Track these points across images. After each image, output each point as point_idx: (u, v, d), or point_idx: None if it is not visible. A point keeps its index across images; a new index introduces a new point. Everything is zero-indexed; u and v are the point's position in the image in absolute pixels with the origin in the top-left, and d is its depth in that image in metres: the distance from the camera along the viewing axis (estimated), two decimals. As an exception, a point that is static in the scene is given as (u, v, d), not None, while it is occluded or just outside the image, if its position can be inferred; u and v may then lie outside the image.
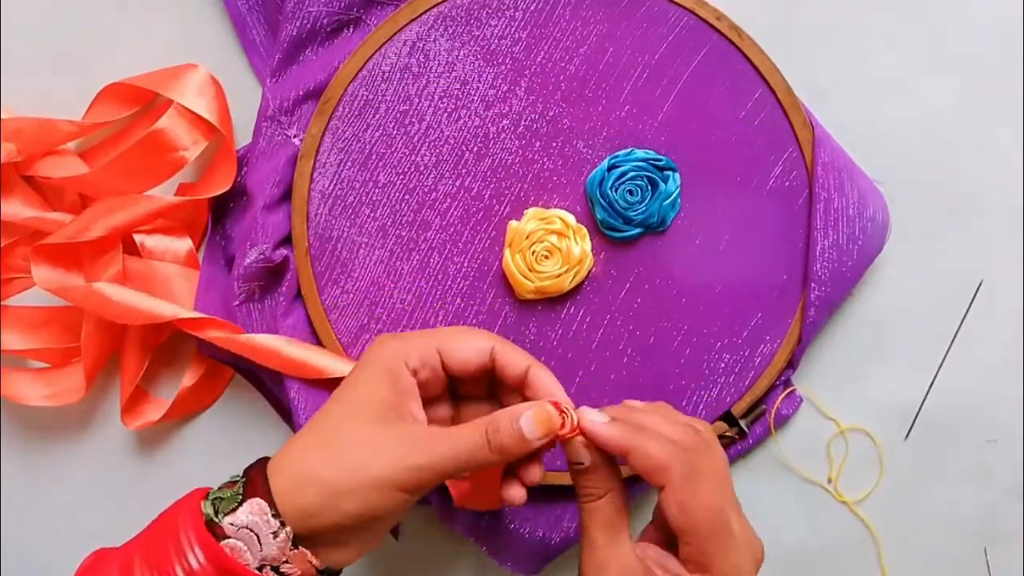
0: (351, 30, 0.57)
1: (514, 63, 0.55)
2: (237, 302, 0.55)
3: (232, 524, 0.40)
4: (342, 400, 0.43)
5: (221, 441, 0.60)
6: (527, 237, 0.54)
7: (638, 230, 0.55)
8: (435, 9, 0.55)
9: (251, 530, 0.40)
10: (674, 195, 0.55)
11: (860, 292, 0.58)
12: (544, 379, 0.43)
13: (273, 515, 0.40)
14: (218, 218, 0.58)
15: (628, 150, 0.55)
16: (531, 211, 0.55)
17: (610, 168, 0.54)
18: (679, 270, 0.55)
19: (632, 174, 0.54)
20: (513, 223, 0.55)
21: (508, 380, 0.44)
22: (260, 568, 0.40)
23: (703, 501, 0.40)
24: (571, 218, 0.55)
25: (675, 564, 0.41)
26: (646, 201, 0.54)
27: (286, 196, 0.56)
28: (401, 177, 0.56)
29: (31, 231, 0.58)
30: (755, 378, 0.56)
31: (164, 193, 0.57)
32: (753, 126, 0.55)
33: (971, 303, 0.58)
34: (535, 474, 0.44)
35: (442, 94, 0.55)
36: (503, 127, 0.55)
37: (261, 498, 0.40)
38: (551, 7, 0.55)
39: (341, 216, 0.56)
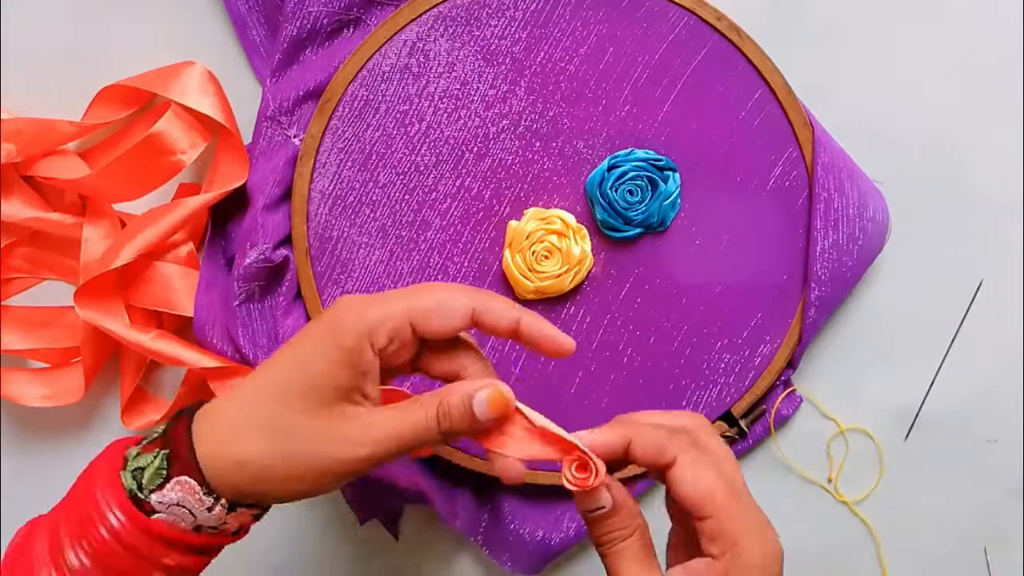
0: (351, 30, 0.56)
1: (514, 63, 0.55)
2: (237, 302, 0.55)
3: (160, 502, 0.38)
4: (287, 374, 0.39)
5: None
6: (527, 237, 0.54)
7: (638, 230, 0.55)
8: (435, 9, 0.55)
9: (182, 506, 0.38)
10: (674, 195, 0.55)
11: (860, 292, 0.58)
12: (538, 327, 0.40)
13: (205, 493, 0.38)
14: (218, 218, 0.58)
15: (628, 150, 0.55)
16: (531, 211, 0.55)
17: (610, 168, 0.54)
18: (679, 270, 0.55)
19: (632, 174, 0.54)
20: (513, 223, 0.55)
21: (499, 335, 0.41)
22: (197, 529, 0.39)
23: (713, 470, 0.38)
24: (571, 218, 0.55)
25: (704, 567, 0.38)
26: (646, 201, 0.54)
27: (286, 196, 0.56)
28: (401, 177, 0.56)
29: (31, 231, 0.58)
30: (755, 378, 0.56)
31: (162, 194, 0.57)
32: (753, 126, 0.55)
33: (971, 303, 0.58)
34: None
35: (442, 94, 0.55)
36: (503, 127, 0.55)
37: (189, 476, 0.38)
38: (551, 7, 0.55)
39: (341, 216, 0.56)
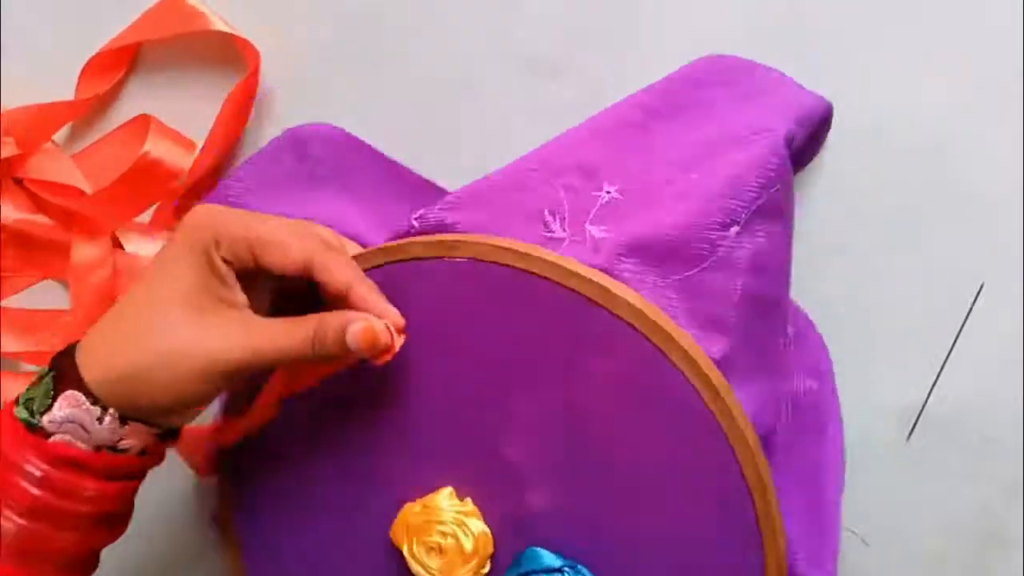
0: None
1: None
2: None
3: (52, 421, 0.39)
4: (152, 282, 0.40)
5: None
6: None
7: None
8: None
9: (72, 421, 0.39)
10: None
11: (861, 293, 0.57)
12: (368, 301, 0.40)
13: (92, 402, 0.39)
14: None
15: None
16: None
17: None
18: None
19: None
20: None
21: (329, 295, 0.41)
22: (97, 449, 0.40)
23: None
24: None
25: None
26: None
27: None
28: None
29: (15, 232, 0.57)
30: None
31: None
32: None
33: (972, 304, 0.57)
34: None
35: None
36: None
37: (74, 389, 0.39)
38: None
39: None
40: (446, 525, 0.45)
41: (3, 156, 0.54)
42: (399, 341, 0.41)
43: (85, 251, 0.56)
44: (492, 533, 0.45)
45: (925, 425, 0.58)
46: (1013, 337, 0.57)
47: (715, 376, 0.42)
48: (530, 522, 0.45)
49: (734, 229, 0.45)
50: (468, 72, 0.55)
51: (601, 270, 0.43)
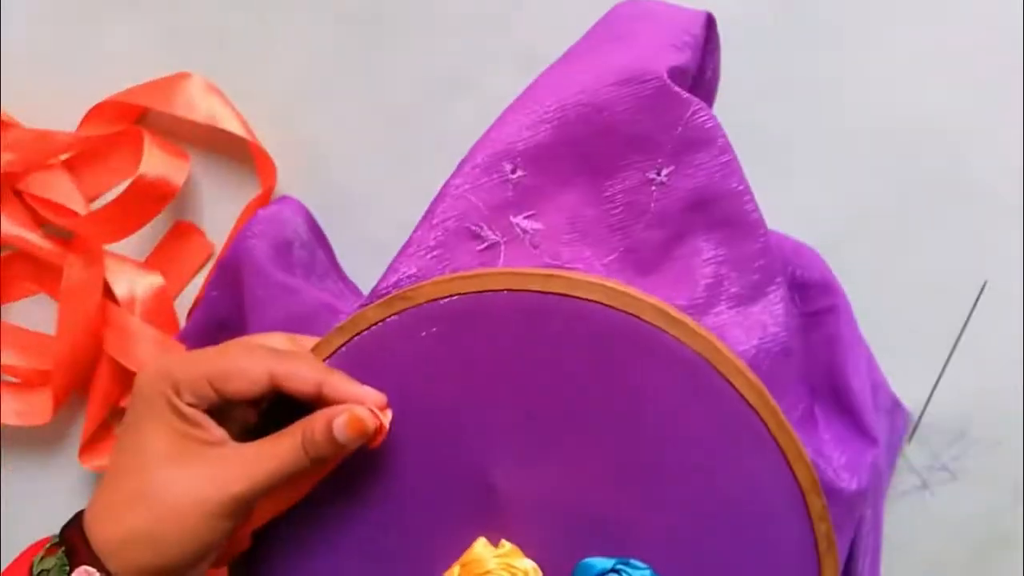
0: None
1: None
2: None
3: None
4: (132, 448, 0.40)
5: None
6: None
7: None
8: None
9: None
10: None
11: (861, 292, 0.56)
12: (342, 391, 0.41)
13: None
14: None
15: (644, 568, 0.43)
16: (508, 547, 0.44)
17: (614, 570, 0.44)
18: None
19: None
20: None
21: (303, 399, 0.41)
22: None
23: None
24: None
25: None
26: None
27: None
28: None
29: (12, 244, 0.57)
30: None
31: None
32: None
33: (975, 304, 0.58)
34: None
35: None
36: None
37: (88, 564, 0.39)
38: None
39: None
40: (493, 574, 0.43)
41: (3, 170, 0.54)
42: (387, 417, 0.41)
43: (76, 274, 0.55)
44: (539, 564, 0.44)
45: (926, 426, 0.59)
46: (1014, 337, 0.58)
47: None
48: (571, 543, 0.43)
49: (663, 172, 0.44)
50: (467, 72, 0.57)
51: (546, 267, 0.44)
